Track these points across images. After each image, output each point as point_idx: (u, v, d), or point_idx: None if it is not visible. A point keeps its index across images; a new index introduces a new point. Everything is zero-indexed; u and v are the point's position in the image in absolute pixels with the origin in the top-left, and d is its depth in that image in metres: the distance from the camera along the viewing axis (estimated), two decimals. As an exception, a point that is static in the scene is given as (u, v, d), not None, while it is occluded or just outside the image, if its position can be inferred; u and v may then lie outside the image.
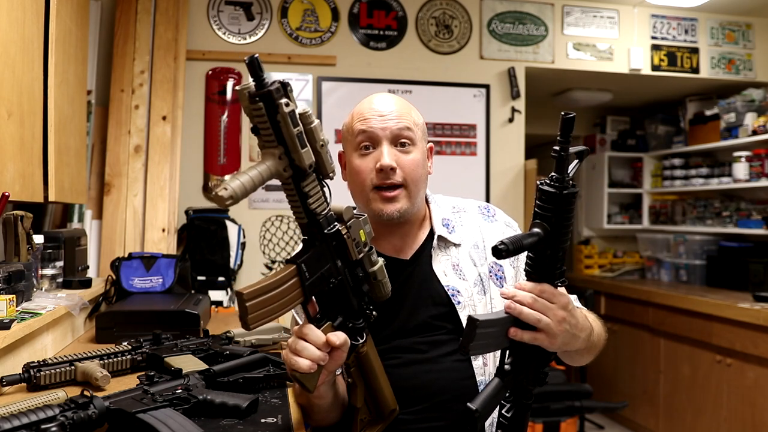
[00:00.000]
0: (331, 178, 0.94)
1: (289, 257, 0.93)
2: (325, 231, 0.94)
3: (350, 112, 1.25)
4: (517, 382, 0.97)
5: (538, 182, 0.93)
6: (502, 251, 0.88)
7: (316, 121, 0.90)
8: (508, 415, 0.98)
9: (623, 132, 4.61)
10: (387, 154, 1.17)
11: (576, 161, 0.93)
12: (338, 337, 0.94)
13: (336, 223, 0.96)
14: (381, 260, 1.03)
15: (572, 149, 0.92)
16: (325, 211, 0.93)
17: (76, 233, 2.07)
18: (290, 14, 3.14)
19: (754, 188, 3.65)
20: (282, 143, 0.85)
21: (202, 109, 3.04)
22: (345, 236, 0.96)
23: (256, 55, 0.83)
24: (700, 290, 3.63)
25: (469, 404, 0.90)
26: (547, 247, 0.93)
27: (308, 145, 0.87)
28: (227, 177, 0.75)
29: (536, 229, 0.92)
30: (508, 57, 3.39)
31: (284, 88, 0.84)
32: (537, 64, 3.44)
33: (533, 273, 0.96)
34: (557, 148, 0.90)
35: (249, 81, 0.85)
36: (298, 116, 0.86)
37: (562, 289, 0.99)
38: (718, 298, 3.23)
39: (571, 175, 0.92)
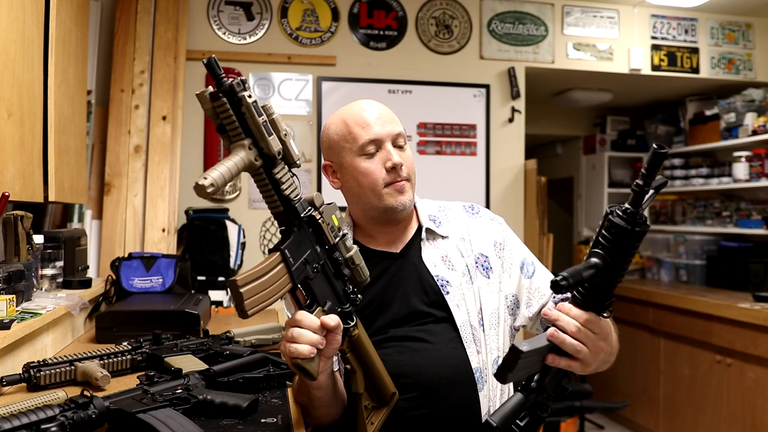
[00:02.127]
0: (298, 166, 0.98)
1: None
2: (302, 215, 0.98)
3: (334, 121, 1.29)
4: (539, 398, 0.96)
5: (608, 210, 0.87)
6: (562, 286, 0.84)
7: (277, 113, 0.94)
8: (522, 424, 0.96)
9: (623, 132, 4.61)
10: (395, 154, 1.24)
11: (652, 192, 0.86)
12: (332, 319, 0.97)
13: (310, 208, 1.00)
14: (355, 246, 1.08)
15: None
16: (299, 196, 0.97)
17: (76, 233, 2.07)
18: (290, 14, 3.14)
19: (754, 188, 3.65)
20: (249, 135, 0.90)
21: (202, 110, 3.03)
22: (320, 221, 1.00)
23: (213, 56, 0.87)
24: (700, 290, 3.63)
25: (488, 419, 0.88)
26: (603, 278, 0.89)
27: (274, 133, 0.91)
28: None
29: (594, 260, 0.88)
30: (508, 57, 3.39)
31: (243, 83, 0.89)
32: (537, 64, 3.44)
33: (582, 300, 0.92)
34: (640, 182, 0.83)
35: (205, 88, 0.90)
36: (260, 107, 0.90)
37: (608, 321, 0.96)
38: (718, 298, 3.23)
39: (644, 208, 0.86)
